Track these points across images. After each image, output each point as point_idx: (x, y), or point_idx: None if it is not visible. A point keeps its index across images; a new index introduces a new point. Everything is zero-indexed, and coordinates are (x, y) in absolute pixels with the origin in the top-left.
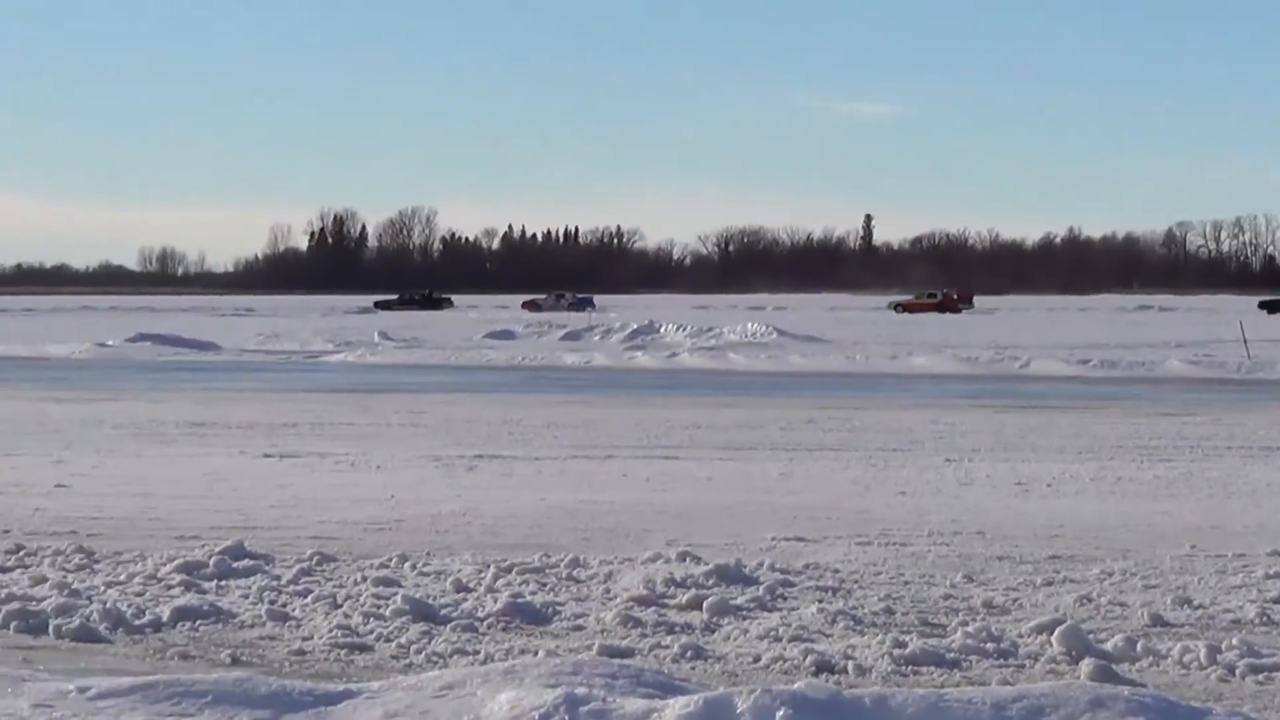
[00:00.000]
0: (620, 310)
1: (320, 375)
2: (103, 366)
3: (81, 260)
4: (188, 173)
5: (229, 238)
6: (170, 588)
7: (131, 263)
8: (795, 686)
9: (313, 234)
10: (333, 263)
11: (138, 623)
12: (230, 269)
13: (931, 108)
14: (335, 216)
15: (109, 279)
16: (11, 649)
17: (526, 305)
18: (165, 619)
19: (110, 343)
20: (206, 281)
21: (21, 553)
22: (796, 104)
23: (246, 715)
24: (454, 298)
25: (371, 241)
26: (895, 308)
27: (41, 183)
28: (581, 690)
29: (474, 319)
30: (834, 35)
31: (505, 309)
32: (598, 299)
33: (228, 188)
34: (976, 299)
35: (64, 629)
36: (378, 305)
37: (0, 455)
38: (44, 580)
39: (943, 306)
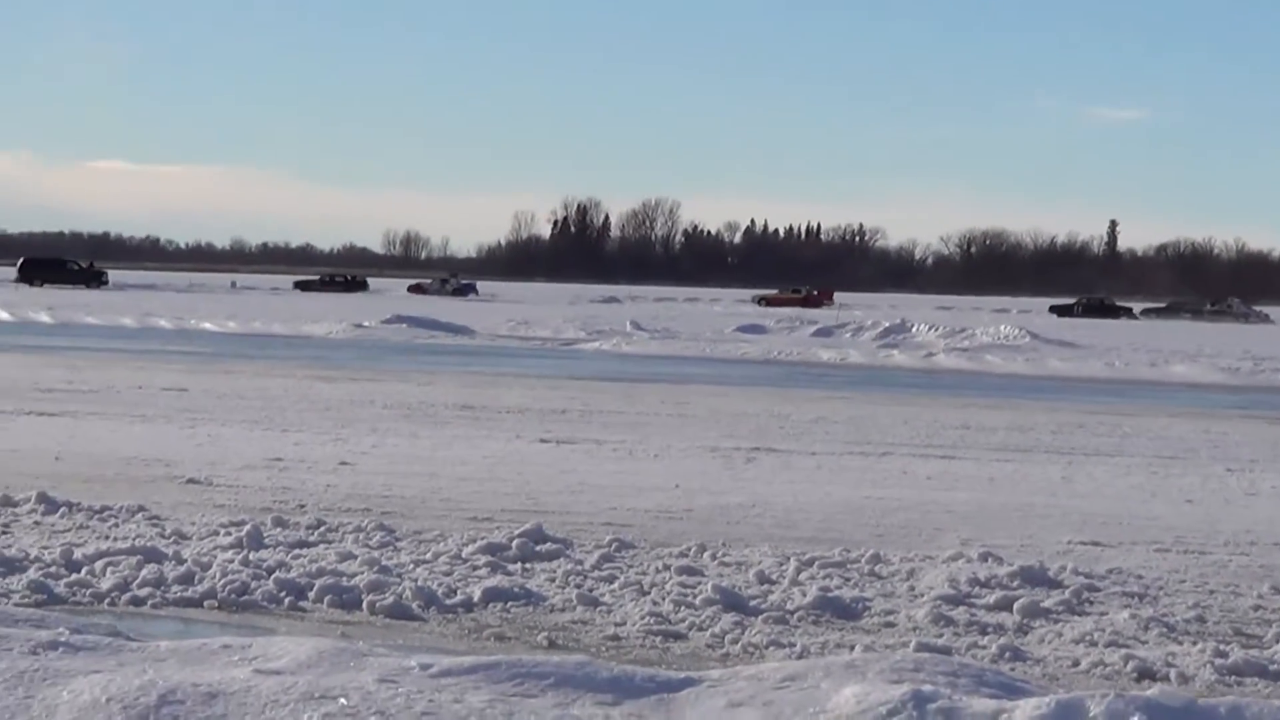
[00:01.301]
0: (864, 308)
1: (578, 363)
2: (361, 347)
3: (326, 241)
4: (435, 157)
5: (472, 223)
6: (476, 568)
7: (376, 245)
8: (1149, 693)
9: (556, 222)
10: (575, 251)
11: (449, 602)
12: (473, 254)
13: (1180, 113)
14: (579, 205)
15: (353, 261)
16: (329, 623)
17: (412, 289)
18: (476, 599)
19: (366, 323)
20: (449, 266)
21: (323, 528)
22: (1042, 107)
23: (589, 699)
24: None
25: (614, 231)
26: (759, 301)
27: (289, 164)
28: (927, 687)
29: (719, 312)
30: (1081, 39)
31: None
32: (480, 285)
33: (473, 173)
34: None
35: (378, 605)
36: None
37: (279, 431)
38: (351, 556)
39: (806, 302)
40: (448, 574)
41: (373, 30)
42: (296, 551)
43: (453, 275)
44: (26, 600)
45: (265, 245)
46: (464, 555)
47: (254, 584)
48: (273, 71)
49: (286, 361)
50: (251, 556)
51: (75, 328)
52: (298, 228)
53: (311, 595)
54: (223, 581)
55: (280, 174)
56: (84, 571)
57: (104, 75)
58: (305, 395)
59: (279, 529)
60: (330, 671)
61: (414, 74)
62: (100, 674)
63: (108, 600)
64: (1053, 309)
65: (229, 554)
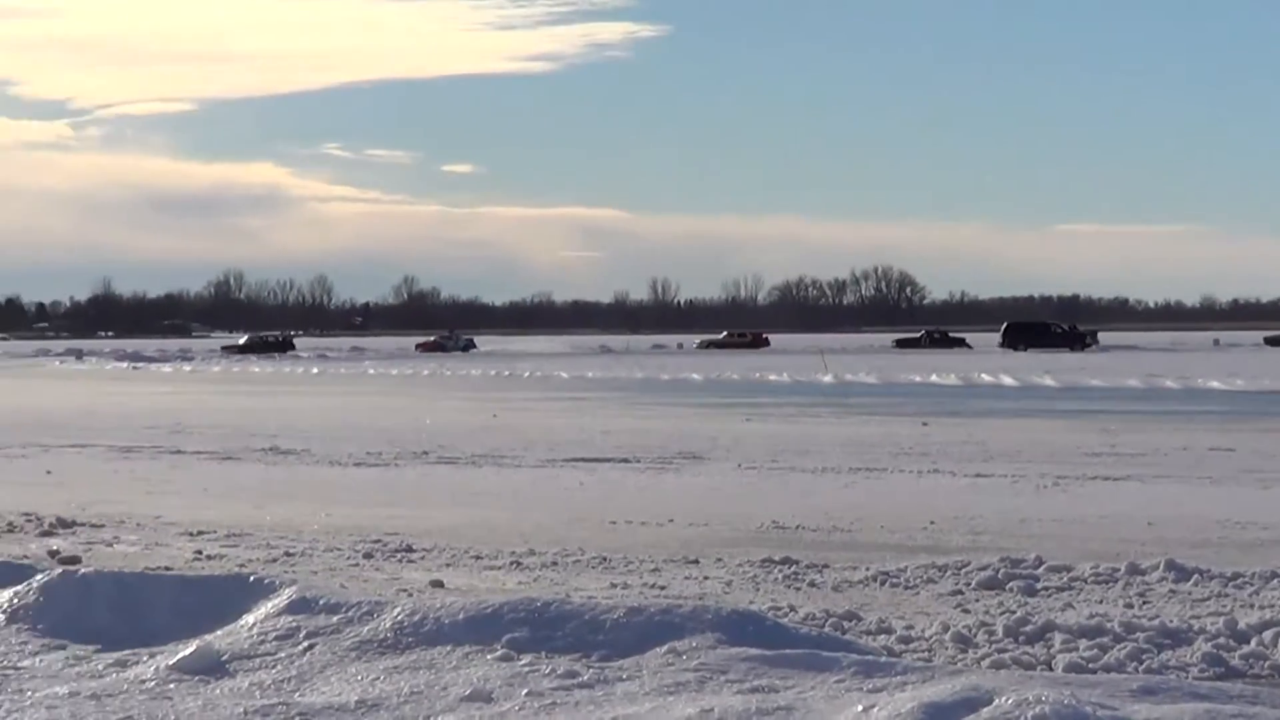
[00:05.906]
0: None
1: None
2: None
3: None
4: None
5: None
6: None
7: None
8: None
9: None
10: None
11: None
12: None
13: None
14: None
15: None
16: None
17: (424, 347)
18: None
19: None
20: None
21: None
22: None
23: None
24: None
25: None
26: (705, 345)
27: (1256, 218)
28: None
29: None
30: None
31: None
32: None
33: None
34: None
35: None
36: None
37: None
38: None
39: (753, 344)
40: None
41: None
42: None
43: (453, 332)
44: (1205, 674)
45: (1235, 301)
46: None
47: None
48: (1224, 128)
49: None
50: None
51: (1080, 390)
52: (1269, 283)
53: None
54: None
55: (1245, 229)
56: (1253, 643)
57: (1066, 142)
58: None
59: None
60: None
61: None
62: None
63: None
64: (896, 343)
65: None
